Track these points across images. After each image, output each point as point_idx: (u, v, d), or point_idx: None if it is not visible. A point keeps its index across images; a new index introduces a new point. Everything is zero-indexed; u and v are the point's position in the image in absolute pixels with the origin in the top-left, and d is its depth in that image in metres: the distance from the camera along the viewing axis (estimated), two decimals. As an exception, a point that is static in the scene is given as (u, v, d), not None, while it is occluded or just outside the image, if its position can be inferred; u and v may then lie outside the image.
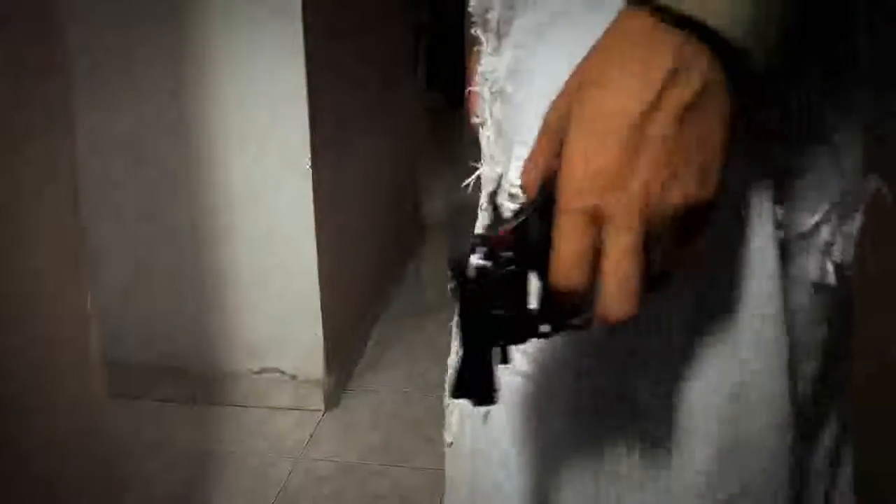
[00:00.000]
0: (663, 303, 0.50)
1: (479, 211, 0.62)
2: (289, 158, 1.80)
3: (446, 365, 0.66)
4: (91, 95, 1.76)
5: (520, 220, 0.45)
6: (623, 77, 0.40)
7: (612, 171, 0.40)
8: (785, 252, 0.52)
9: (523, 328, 0.46)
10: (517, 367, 0.55)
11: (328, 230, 1.91)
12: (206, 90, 1.79)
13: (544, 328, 0.46)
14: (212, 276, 1.93)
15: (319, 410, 1.96)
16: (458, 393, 0.48)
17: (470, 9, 0.58)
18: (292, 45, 1.73)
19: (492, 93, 0.57)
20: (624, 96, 0.40)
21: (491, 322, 0.45)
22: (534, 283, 0.45)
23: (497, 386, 0.48)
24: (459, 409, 0.64)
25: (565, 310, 0.45)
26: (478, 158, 0.58)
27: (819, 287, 0.53)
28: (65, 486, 1.11)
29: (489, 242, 0.44)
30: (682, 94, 0.40)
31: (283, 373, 1.97)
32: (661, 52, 0.40)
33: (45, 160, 1.04)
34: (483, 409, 0.59)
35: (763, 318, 0.51)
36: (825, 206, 0.52)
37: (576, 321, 0.46)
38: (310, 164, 1.79)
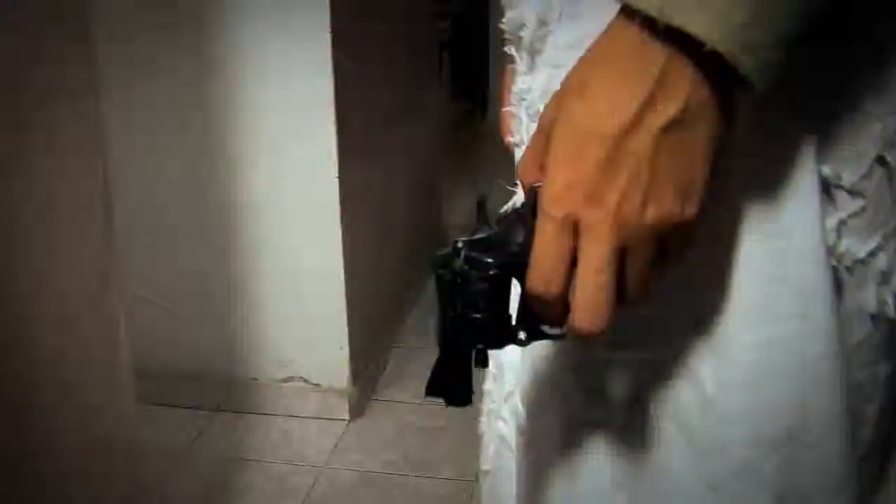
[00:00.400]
0: (677, 332, 0.48)
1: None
2: (316, 168, 1.79)
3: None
4: (115, 103, 1.75)
5: (504, 224, 0.44)
6: (604, 93, 0.40)
7: (587, 183, 0.40)
8: (839, 282, 0.49)
9: (501, 334, 0.46)
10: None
11: (354, 238, 1.90)
12: (232, 100, 1.78)
13: (521, 336, 0.46)
14: (238, 284, 1.92)
15: (344, 420, 1.95)
16: (432, 392, 0.48)
17: (502, 26, 0.56)
18: (320, 58, 1.72)
19: (529, 114, 0.55)
20: (603, 112, 0.40)
21: (469, 325, 0.45)
22: (516, 290, 0.45)
23: (472, 388, 0.47)
24: (499, 438, 0.63)
25: (541, 319, 0.45)
26: (511, 179, 0.56)
27: (879, 320, 0.50)
28: (87, 491, 1.12)
29: (471, 245, 0.44)
30: (662, 112, 0.39)
31: (308, 382, 1.96)
32: (644, 67, 0.39)
33: (76, 169, 1.05)
34: (529, 435, 0.57)
35: (816, 354, 0.48)
36: (882, 232, 0.49)
37: (549, 331, 0.46)
38: (337, 174, 1.78)
